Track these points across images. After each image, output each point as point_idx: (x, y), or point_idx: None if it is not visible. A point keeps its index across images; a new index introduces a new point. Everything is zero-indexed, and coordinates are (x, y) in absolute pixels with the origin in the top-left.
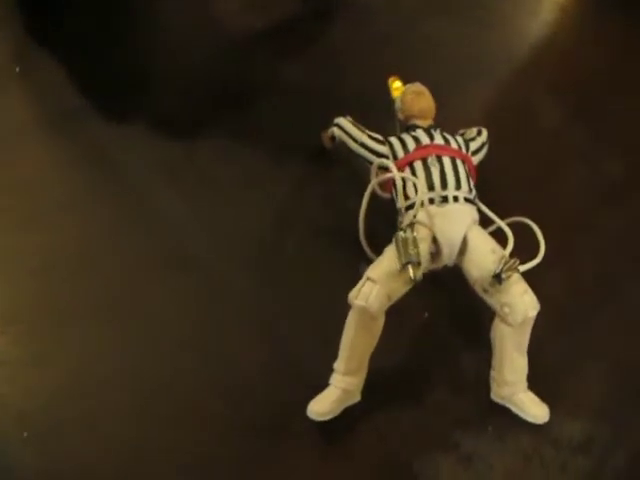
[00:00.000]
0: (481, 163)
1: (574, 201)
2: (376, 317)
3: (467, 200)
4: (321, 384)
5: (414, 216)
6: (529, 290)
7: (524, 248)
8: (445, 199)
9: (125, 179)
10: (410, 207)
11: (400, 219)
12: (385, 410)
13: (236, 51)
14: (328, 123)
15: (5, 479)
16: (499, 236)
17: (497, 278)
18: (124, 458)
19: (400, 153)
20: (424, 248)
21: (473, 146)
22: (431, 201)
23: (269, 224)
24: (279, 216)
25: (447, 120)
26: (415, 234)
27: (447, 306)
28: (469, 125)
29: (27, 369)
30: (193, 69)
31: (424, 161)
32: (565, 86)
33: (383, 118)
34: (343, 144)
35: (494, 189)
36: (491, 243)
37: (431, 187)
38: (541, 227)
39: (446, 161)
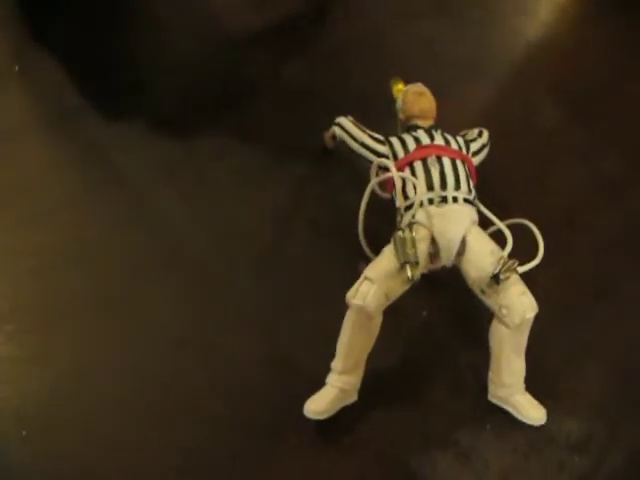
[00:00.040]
0: (481, 162)
1: (573, 200)
2: (373, 316)
3: (466, 201)
4: (321, 384)
5: (413, 216)
6: (527, 292)
7: (523, 249)
8: (444, 199)
9: (124, 179)
10: (409, 207)
11: (399, 219)
12: (383, 409)
13: (236, 51)
14: (328, 123)
15: (5, 479)
16: (499, 237)
17: (495, 279)
18: (124, 458)
19: (400, 153)
20: (422, 248)
21: (474, 147)
22: (430, 201)
23: (269, 224)
24: (279, 216)
25: (448, 120)
26: (414, 234)
27: (445, 306)
28: (469, 125)
29: (26, 368)
30: (193, 69)
31: (424, 161)
32: (565, 86)
33: (383, 118)
34: (344, 144)
35: (494, 188)
36: (490, 244)
37: (430, 187)
38: (540, 226)
39: (446, 162)
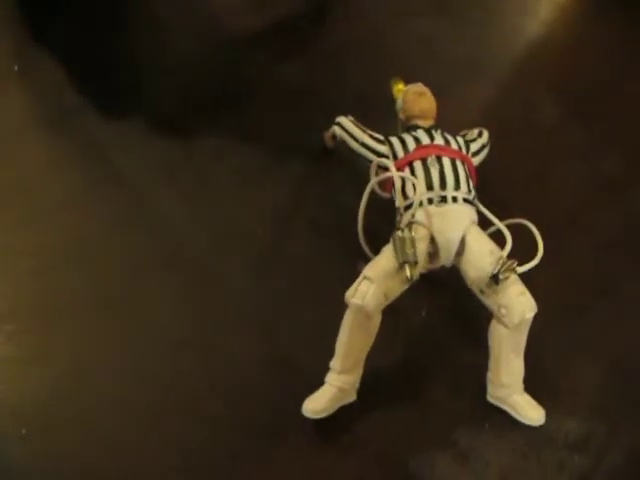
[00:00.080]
0: (481, 162)
1: (574, 200)
2: (372, 316)
3: (466, 201)
4: (321, 384)
5: (412, 215)
6: (526, 292)
7: (523, 249)
8: (444, 199)
9: (124, 179)
10: (409, 207)
11: (399, 218)
12: (382, 409)
13: (236, 51)
14: (328, 123)
15: (4, 478)
16: (498, 237)
17: (494, 279)
18: (124, 458)
19: (400, 153)
20: (422, 248)
21: (474, 147)
22: (430, 201)
23: (269, 224)
24: (279, 216)
25: (448, 120)
26: (413, 234)
27: (445, 306)
28: (469, 125)
29: (26, 368)
30: (193, 69)
31: (424, 161)
32: (565, 86)
33: (383, 118)
34: (344, 143)
35: (494, 188)
36: (489, 244)
37: (430, 187)
38: (540, 226)
39: (446, 161)
